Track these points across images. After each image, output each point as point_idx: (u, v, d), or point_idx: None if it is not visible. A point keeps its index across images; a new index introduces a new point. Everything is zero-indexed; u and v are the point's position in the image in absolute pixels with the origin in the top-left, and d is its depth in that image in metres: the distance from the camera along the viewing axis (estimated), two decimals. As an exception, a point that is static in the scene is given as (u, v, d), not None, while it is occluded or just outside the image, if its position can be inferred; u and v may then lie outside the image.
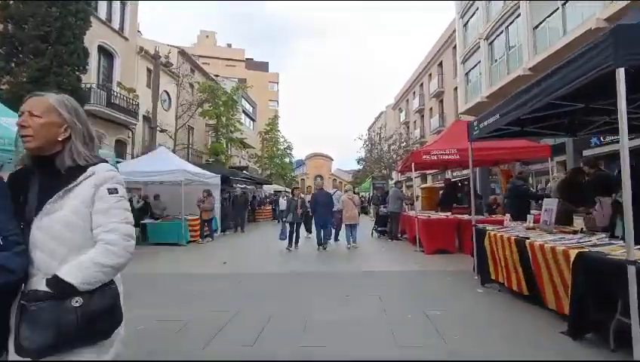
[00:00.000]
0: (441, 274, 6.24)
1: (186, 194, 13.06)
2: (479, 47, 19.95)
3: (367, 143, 30.89)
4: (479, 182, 20.63)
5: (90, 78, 15.98)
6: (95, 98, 15.78)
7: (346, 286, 5.56)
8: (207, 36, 55.04)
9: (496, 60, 18.63)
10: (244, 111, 38.37)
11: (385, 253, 8.91)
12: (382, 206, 11.83)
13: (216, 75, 32.18)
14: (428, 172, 29.74)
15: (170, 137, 19.06)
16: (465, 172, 22.51)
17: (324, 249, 9.65)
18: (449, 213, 8.81)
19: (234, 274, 6.62)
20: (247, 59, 52.69)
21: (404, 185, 23.18)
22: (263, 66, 55.26)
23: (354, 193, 11.46)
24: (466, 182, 18.10)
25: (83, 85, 15.32)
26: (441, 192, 11.70)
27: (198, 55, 39.79)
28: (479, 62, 20.12)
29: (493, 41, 18.99)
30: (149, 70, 19.93)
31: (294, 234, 9.74)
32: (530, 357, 3.02)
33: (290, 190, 13.64)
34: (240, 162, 35.24)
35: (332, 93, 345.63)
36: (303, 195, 10.89)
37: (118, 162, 9.15)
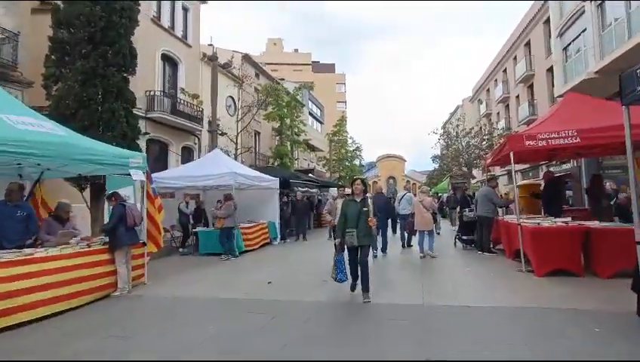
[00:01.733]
0: (578, 317, 4.04)
1: (246, 201, 12.32)
2: (584, 11, 16.28)
3: (443, 137, 27.83)
4: (585, 176, 16.83)
5: (155, 85, 16.19)
6: (159, 105, 15.86)
7: (417, 333, 3.77)
8: (274, 43, 56.05)
9: (610, 24, 14.92)
10: (310, 114, 37.74)
11: (475, 274, 6.70)
12: (467, 210, 9.56)
13: (282, 79, 31.82)
14: (519, 167, 25.80)
15: (232, 141, 18.62)
16: (564, 166, 18.68)
17: (384, 255, 9.11)
18: (568, 219, 6.36)
19: (273, 302, 5.16)
20: (313, 62, 52.37)
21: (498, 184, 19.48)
22: (329, 68, 54.56)
23: (429, 195, 9.39)
24: (568, 179, 14.68)
25: (147, 93, 15.65)
26: (541, 190, 9.04)
27: (266, 62, 40.26)
28: (584, 30, 16.42)
29: (603, 2, 15.28)
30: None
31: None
32: None
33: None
34: (308, 165, 34.53)
35: (403, 93, 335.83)
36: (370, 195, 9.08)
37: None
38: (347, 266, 5.28)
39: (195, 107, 17.81)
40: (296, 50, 57.21)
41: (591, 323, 3.81)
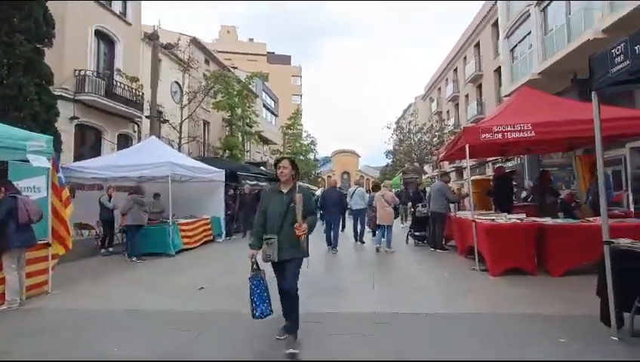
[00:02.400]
0: (540, 324, 3.69)
1: (188, 194, 11.23)
2: (529, 15, 16.85)
3: (396, 132, 28.11)
4: (527, 174, 17.57)
5: (87, 64, 14.42)
6: (92, 87, 14.16)
7: (362, 350, 3.22)
8: (228, 31, 53.72)
9: (551, 29, 15.54)
10: (264, 106, 36.56)
11: (429, 273, 6.32)
12: (420, 205, 9.32)
13: (234, 67, 30.36)
14: (466, 163, 26.55)
15: (174, 128, 17.21)
16: (509, 164, 19.38)
17: (334, 252, 8.68)
18: (523, 215, 6.18)
19: (202, 315, 4.38)
20: (268, 53, 50.92)
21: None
22: (285, 60, 53.38)
23: (390, 189, 9.08)
24: (514, 176, 15.09)
25: (77, 73, 13.87)
26: (492, 185, 8.99)
27: (218, 50, 38.33)
28: (529, 33, 17.03)
29: (546, 7, 15.89)
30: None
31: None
32: None
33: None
34: (261, 158, 33.43)
35: (360, 91, 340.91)
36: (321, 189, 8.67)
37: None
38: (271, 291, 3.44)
39: (134, 91, 16.17)
40: (251, 40, 55.26)
41: (554, 330, 3.48)
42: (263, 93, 36.47)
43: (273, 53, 53.07)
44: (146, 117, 14.30)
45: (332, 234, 9.06)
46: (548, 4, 15.79)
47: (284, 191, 3.44)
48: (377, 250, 8.54)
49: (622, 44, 2.88)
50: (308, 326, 3.66)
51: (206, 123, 24.56)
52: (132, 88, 16.01)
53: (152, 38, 13.58)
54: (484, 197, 9.19)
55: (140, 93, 16.44)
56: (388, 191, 8.61)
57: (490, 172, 21.00)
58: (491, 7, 23.23)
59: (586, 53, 11.50)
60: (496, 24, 22.49)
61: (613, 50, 2.93)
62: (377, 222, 8.72)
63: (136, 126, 17.26)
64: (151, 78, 13.65)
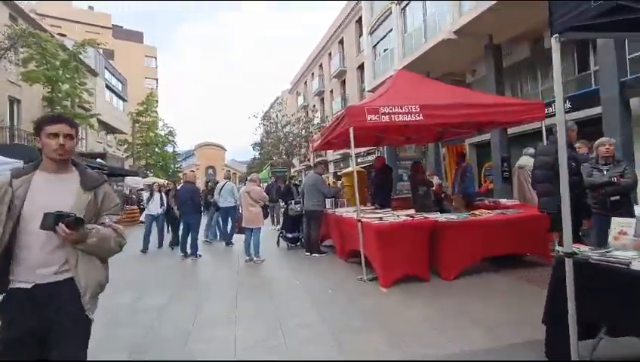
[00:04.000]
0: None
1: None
2: (391, 12, 17.46)
3: (263, 121, 26.74)
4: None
5: None
6: None
7: None
8: (56, -8, 43.20)
9: (411, 28, 16.33)
10: (108, 87, 30.46)
11: (308, 291, 4.86)
12: (293, 202, 7.98)
13: (62, 35, 24.06)
14: (331, 157, 26.92)
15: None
16: (369, 158, 19.90)
17: (185, 257, 7.49)
18: (411, 211, 5.33)
19: None
20: (114, 26, 43.02)
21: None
22: (136, 37, 46.05)
23: (259, 183, 7.43)
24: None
25: None
26: (373, 178, 8.30)
27: (44, 15, 30.11)
28: (391, 30, 17.68)
29: (406, 6, 16.65)
30: None
31: None
32: None
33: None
34: (104, 149, 27.63)
35: (226, 84, 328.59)
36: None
37: None
38: None
39: None
40: (91, 8, 45.80)
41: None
42: (107, 72, 30.31)
43: (121, 27, 45.13)
44: None
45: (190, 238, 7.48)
46: (407, 4, 16.53)
47: None
48: (247, 261, 6.86)
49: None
50: None
51: (15, 101, 18.59)
52: None
53: None
54: (360, 190, 8.41)
55: None
56: (255, 186, 6.96)
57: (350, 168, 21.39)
58: (355, 4, 23.76)
59: (442, 52, 12.10)
60: (360, 21, 23.09)
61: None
62: (243, 225, 7.02)
63: None
64: None
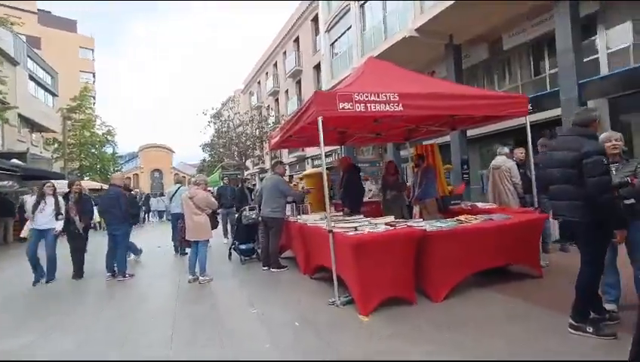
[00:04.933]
0: None
1: None
2: (349, 9, 16.86)
3: (213, 119, 25.08)
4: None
5: None
6: None
7: None
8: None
9: (370, 25, 15.82)
10: (32, 78, 27.00)
11: (266, 321, 3.89)
12: (247, 208, 6.86)
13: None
14: (286, 160, 25.71)
15: None
16: (329, 159, 19.08)
17: (112, 278, 6.13)
18: (390, 218, 4.48)
19: None
20: (40, 11, 38.56)
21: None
22: (68, 25, 41.72)
23: (205, 187, 6.22)
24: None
25: None
26: (340, 179, 7.41)
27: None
28: (349, 27, 17.07)
29: (364, 4, 16.12)
30: None
31: None
32: None
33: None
34: (28, 149, 24.28)
35: (176, 83, 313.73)
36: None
37: None
38: None
39: None
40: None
41: None
42: (30, 61, 26.85)
43: (49, 13, 40.62)
44: None
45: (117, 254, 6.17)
46: (365, 2, 16.02)
47: None
48: (191, 281, 5.66)
49: None
50: None
51: None
52: None
53: None
54: (322, 195, 7.51)
55: None
56: (200, 190, 5.77)
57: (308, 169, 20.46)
58: (310, 3, 22.98)
59: (401, 51, 11.64)
60: (316, 19, 22.35)
61: None
62: (186, 237, 5.82)
63: None
64: None
